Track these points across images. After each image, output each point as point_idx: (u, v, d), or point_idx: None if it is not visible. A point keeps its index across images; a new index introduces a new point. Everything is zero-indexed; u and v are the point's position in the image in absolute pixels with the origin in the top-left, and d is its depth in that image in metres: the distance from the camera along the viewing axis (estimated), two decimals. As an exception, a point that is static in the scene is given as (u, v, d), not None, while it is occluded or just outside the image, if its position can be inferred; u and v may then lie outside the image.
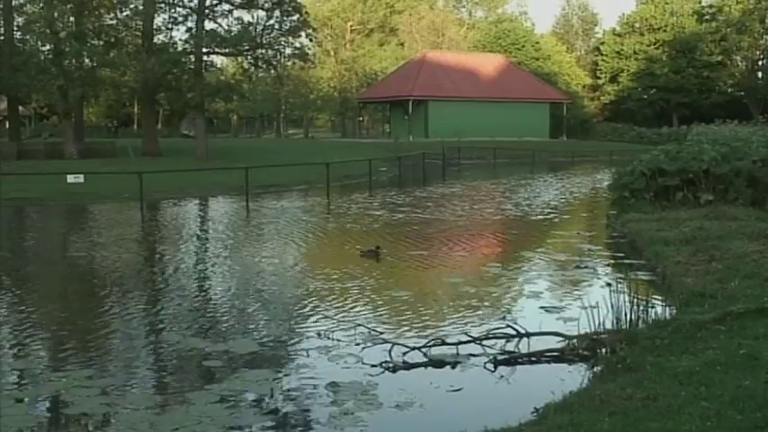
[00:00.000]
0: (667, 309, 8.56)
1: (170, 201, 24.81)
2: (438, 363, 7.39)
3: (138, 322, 9.33)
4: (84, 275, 12.69)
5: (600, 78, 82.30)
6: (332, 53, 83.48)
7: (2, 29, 41.02)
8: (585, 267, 12.41)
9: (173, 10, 41.38)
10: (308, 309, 9.83)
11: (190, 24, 41.35)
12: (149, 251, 14.92)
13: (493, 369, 7.27)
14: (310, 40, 48.29)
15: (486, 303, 10.00)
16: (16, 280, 12.22)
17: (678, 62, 74.87)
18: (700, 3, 78.10)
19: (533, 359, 7.46)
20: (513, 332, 7.98)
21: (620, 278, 10.98)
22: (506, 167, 43.45)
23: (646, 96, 76.52)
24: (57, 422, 6.20)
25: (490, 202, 24.37)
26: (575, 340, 7.57)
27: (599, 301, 8.10)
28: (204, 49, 40.15)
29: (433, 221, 19.03)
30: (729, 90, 74.72)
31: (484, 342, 7.81)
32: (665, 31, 77.16)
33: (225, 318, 9.51)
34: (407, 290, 10.93)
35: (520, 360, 7.47)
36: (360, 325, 8.64)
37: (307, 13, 44.26)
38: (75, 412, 6.21)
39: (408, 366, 7.33)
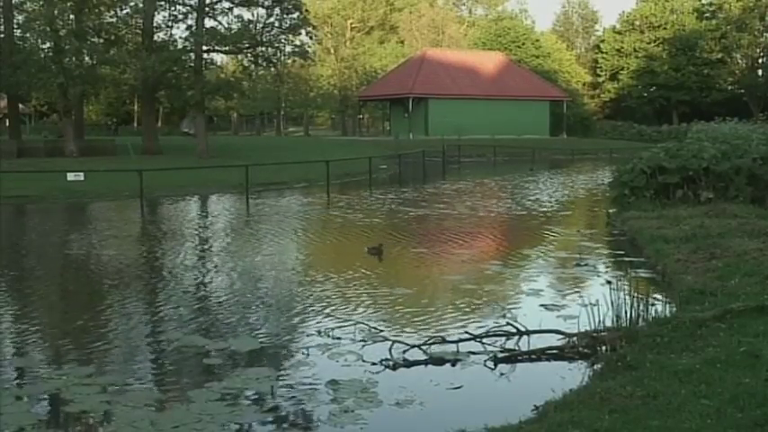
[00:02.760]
0: (667, 306, 8.54)
1: (170, 198, 24.79)
2: (438, 360, 7.38)
3: (138, 320, 9.34)
4: (84, 273, 12.68)
5: (600, 76, 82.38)
6: (332, 51, 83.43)
7: (2, 27, 41.02)
8: (586, 265, 12.40)
9: (173, 8, 41.41)
10: (308, 306, 9.82)
11: (190, 22, 41.39)
12: (149, 249, 14.89)
13: (493, 367, 7.27)
14: (310, 38, 48.29)
15: (486, 301, 10.00)
16: (16, 278, 12.21)
17: (678, 60, 74.95)
18: (700, 0, 78.14)
19: (533, 357, 7.45)
20: (514, 330, 7.98)
21: (620, 276, 10.98)
22: (506, 165, 43.43)
23: (646, 94, 76.60)
24: (57, 420, 6.19)
25: (490, 200, 24.36)
26: (575, 338, 7.57)
27: (599, 299, 8.08)
28: (204, 47, 40.15)
29: (431, 218, 19.04)
30: (729, 88, 74.81)
31: (484, 340, 7.81)
32: (665, 28, 77.23)
33: (225, 315, 9.50)
34: (407, 287, 10.94)
35: (520, 358, 7.46)
36: (360, 323, 8.64)
37: (307, 10, 44.26)
38: (76, 410, 6.20)
39: (408, 364, 7.33)
